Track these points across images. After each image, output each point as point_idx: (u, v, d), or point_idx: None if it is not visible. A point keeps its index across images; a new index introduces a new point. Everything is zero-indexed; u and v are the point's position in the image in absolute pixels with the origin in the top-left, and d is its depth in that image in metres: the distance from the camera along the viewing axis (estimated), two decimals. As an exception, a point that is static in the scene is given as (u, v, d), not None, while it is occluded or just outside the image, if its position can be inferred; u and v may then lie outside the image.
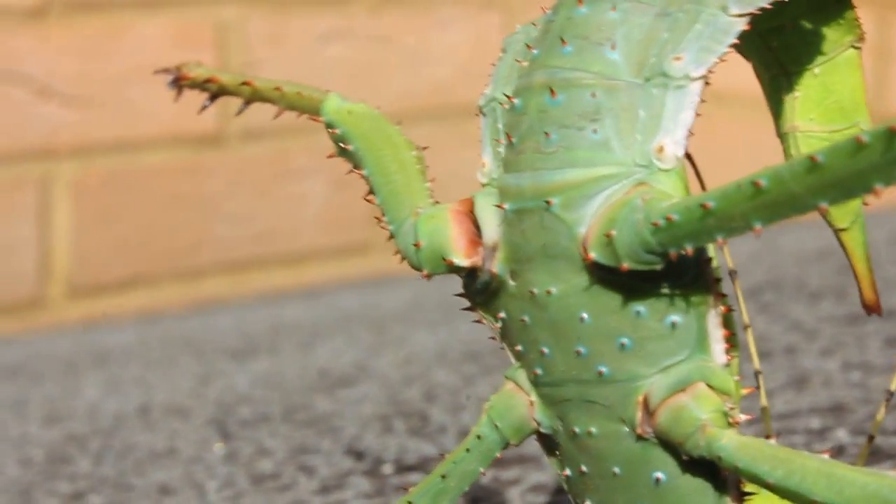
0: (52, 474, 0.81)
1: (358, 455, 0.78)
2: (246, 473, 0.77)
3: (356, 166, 0.46)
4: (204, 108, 0.53)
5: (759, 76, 0.47)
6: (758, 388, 0.49)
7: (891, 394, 0.48)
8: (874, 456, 0.67)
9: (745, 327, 0.49)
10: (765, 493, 0.47)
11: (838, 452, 0.69)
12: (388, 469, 0.75)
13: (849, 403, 0.76)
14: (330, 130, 0.47)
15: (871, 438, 0.48)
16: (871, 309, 0.46)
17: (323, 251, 1.47)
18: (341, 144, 0.47)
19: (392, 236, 0.44)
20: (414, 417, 0.85)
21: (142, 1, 1.38)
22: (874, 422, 0.48)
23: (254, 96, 0.52)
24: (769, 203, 0.36)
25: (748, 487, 0.45)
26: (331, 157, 0.48)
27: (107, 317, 1.34)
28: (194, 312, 1.35)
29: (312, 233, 1.47)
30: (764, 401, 0.49)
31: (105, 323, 1.32)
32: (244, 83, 0.51)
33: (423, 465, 0.75)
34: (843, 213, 0.45)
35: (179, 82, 0.53)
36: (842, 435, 0.71)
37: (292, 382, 0.99)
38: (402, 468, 0.75)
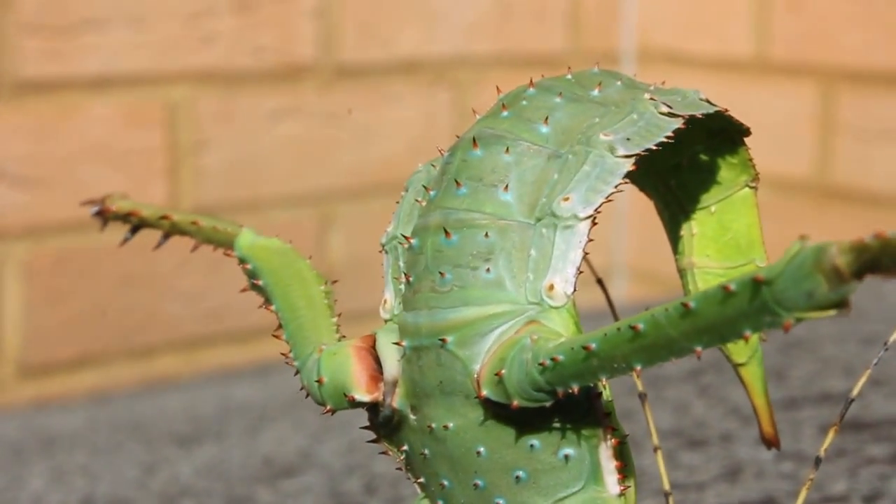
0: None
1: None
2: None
3: (267, 301, 0.47)
4: (125, 240, 0.54)
5: (659, 212, 0.49)
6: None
7: (819, 459, 0.49)
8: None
9: (655, 449, 0.50)
10: None
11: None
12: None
13: (778, 497, 0.77)
14: (242, 266, 0.48)
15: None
16: (771, 443, 0.47)
17: (273, 328, 1.48)
18: (252, 280, 0.48)
19: (297, 372, 0.45)
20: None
21: (92, 81, 1.39)
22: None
23: (172, 230, 0.53)
24: (647, 346, 0.38)
25: None
26: (244, 290, 0.49)
27: (57, 397, 1.35)
28: (144, 392, 1.36)
29: (262, 310, 1.47)
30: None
31: (54, 405, 1.32)
32: (163, 217, 0.53)
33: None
34: (741, 349, 0.46)
35: (104, 214, 0.55)
36: (767, 530, 0.72)
37: (236, 472, 1.00)
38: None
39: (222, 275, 1.45)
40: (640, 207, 1.61)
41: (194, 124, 1.45)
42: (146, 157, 1.41)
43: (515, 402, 0.41)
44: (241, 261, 0.48)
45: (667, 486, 0.50)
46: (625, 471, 0.44)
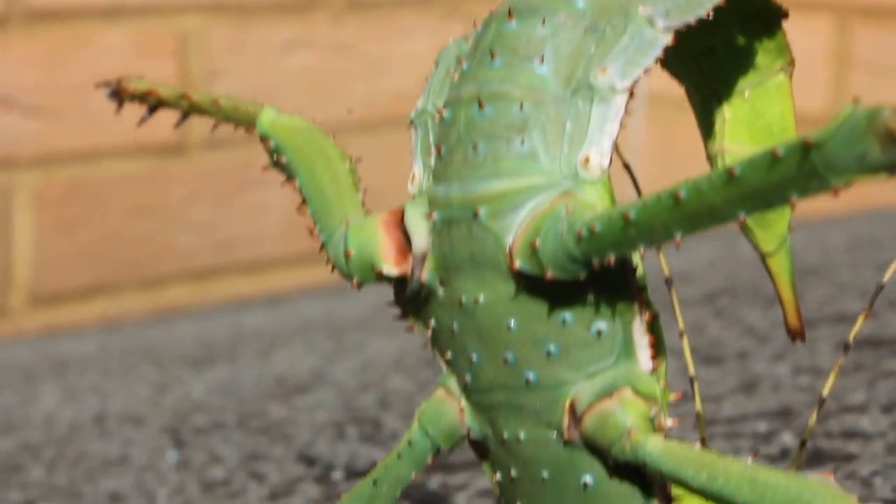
0: (3, 483, 0.82)
1: (309, 461, 0.79)
2: (197, 480, 0.78)
3: (289, 178, 0.47)
4: (143, 120, 0.53)
5: (690, 98, 0.48)
6: (693, 393, 0.49)
7: (823, 400, 0.48)
8: (817, 459, 0.68)
9: (681, 334, 0.50)
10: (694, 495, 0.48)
11: (783, 455, 0.69)
12: (338, 475, 0.75)
13: (796, 407, 0.77)
14: (264, 142, 0.48)
15: (803, 443, 0.49)
16: (796, 334, 0.46)
17: (285, 259, 1.48)
18: (275, 156, 0.47)
19: (323, 246, 0.45)
20: (367, 424, 0.86)
21: (103, 10, 1.38)
22: (807, 427, 0.49)
23: (191, 109, 0.52)
24: (688, 214, 0.37)
25: (675, 489, 0.46)
26: (265, 168, 0.48)
27: (68, 326, 1.34)
28: (155, 321, 1.36)
29: (275, 241, 1.47)
30: (698, 406, 0.49)
31: (65, 332, 1.32)
32: (182, 96, 0.52)
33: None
34: (769, 238, 0.46)
35: (119, 95, 0.54)
36: (787, 439, 0.72)
37: (248, 390, 1.00)
38: (353, 474, 0.75)
39: (234, 205, 1.44)
40: (651, 142, 1.61)
41: (206, 55, 1.44)
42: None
43: (549, 274, 0.40)
44: (263, 138, 0.48)
45: (692, 371, 0.50)
46: (657, 347, 0.43)
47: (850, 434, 0.71)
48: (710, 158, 0.49)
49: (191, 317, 1.36)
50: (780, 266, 0.45)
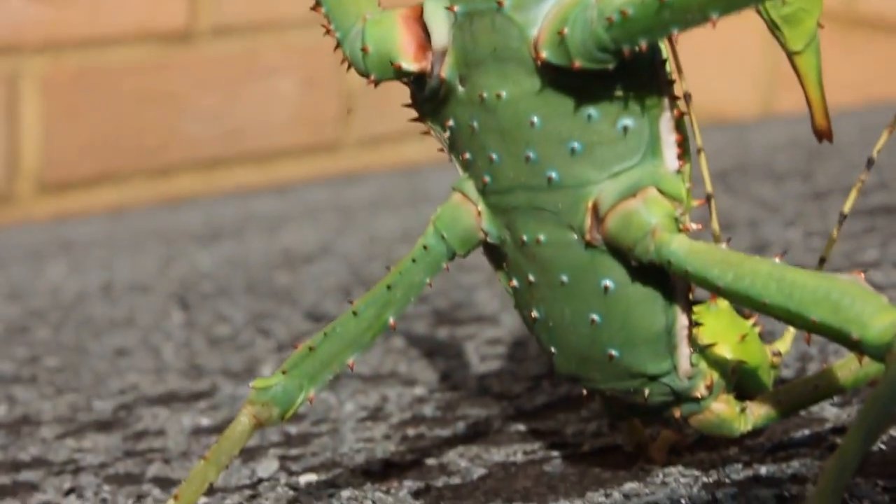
0: (10, 342, 0.81)
1: (316, 319, 0.78)
2: (204, 337, 0.77)
3: None
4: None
5: None
6: (709, 208, 0.48)
7: (844, 216, 0.48)
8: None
9: (699, 151, 0.49)
10: (714, 308, 0.47)
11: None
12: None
13: (808, 265, 0.76)
14: None
15: (822, 261, 0.48)
16: (822, 134, 0.45)
17: (293, 149, 1.47)
18: None
19: (339, 44, 0.43)
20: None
21: None
22: (829, 242, 0.48)
23: None
24: None
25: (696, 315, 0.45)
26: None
27: (76, 214, 1.34)
28: (163, 208, 1.35)
29: (282, 131, 1.46)
30: (715, 224, 0.48)
31: (73, 218, 1.31)
32: None
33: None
34: (797, 36, 0.44)
35: None
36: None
37: (255, 261, 0.99)
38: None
39: (242, 95, 1.43)
40: None
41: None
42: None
43: (577, 64, 0.39)
44: None
45: (709, 188, 0.49)
46: (683, 145, 0.42)
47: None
48: None
49: (198, 204, 1.35)
50: (808, 65, 0.44)
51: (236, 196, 1.38)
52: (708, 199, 0.49)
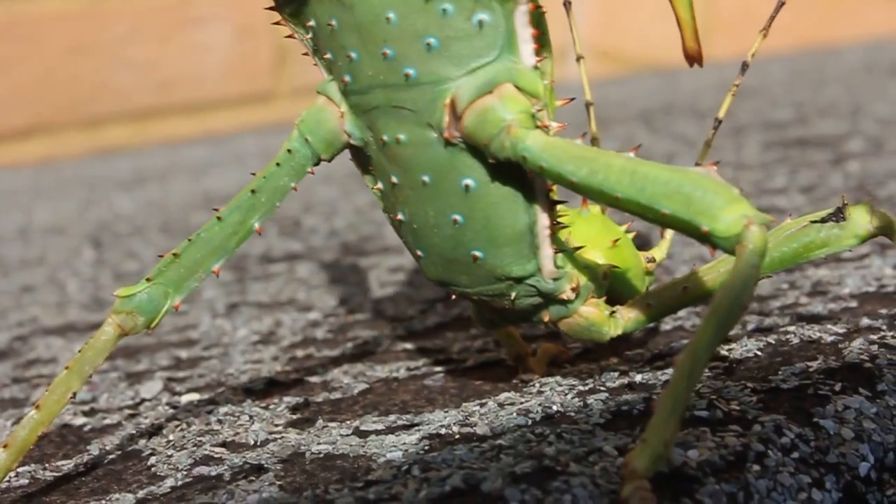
0: (-82, 282, 0.80)
1: (224, 254, 0.78)
2: (111, 273, 0.77)
3: None
4: None
5: None
6: (588, 118, 0.48)
7: (719, 121, 0.47)
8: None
9: (578, 59, 0.48)
10: (586, 213, 0.47)
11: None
12: (252, 262, 0.74)
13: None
14: None
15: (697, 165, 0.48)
16: (693, 58, 0.45)
17: (226, 100, 1.46)
18: None
19: None
20: (287, 224, 0.85)
21: None
22: (703, 147, 0.47)
23: None
24: None
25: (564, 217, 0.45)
26: None
27: (5, 165, 1.33)
28: (93, 159, 1.34)
29: (216, 81, 1.45)
30: (594, 129, 0.48)
31: (3, 169, 1.30)
32: None
33: (288, 259, 0.74)
34: None
35: None
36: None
37: (175, 204, 0.99)
38: (267, 261, 0.74)
39: (174, 45, 1.42)
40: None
41: None
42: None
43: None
44: None
45: (588, 96, 0.49)
46: (541, 40, 0.42)
47: (768, 211, 0.70)
48: None
49: (128, 155, 1.34)
50: None
51: (167, 146, 1.37)
52: (587, 106, 0.49)
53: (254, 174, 0.44)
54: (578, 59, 0.49)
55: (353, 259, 0.71)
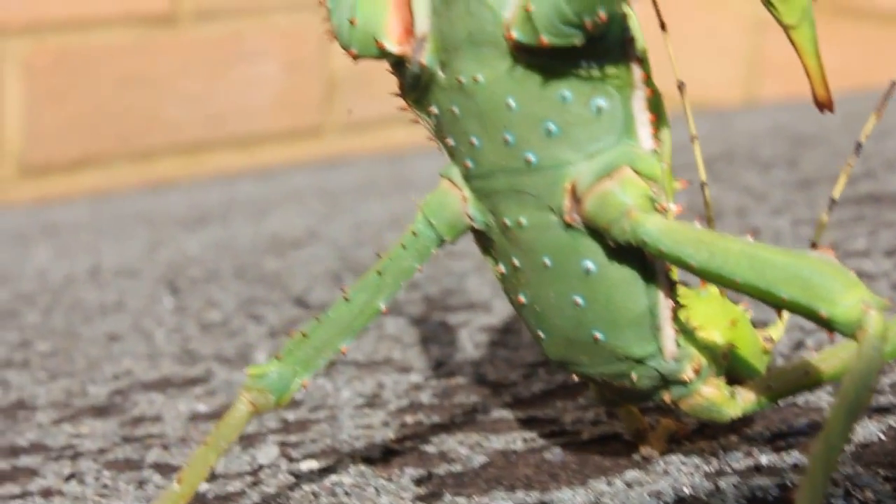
0: (0, 327, 0.81)
1: (307, 305, 0.78)
2: (195, 322, 0.77)
3: None
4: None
5: None
6: (703, 196, 0.49)
7: (834, 201, 0.48)
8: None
9: (692, 139, 0.49)
10: (705, 293, 0.48)
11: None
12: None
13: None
14: None
15: (813, 247, 0.48)
16: (824, 104, 0.45)
17: (276, 133, 1.47)
18: None
19: (329, 14, 0.44)
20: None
21: None
22: (818, 227, 0.48)
23: None
24: None
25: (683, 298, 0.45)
26: None
27: (58, 197, 1.33)
28: (147, 191, 1.35)
29: (265, 115, 1.46)
30: (710, 212, 0.48)
31: (57, 201, 1.31)
32: None
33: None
34: (791, 10, 0.45)
35: None
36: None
37: (243, 246, 0.99)
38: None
39: (225, 79, 1.43)
40: None
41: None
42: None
43: (544, 39, 0.40)
44: None
45: (703, 176, 0.49)
46: (658, 124, 0.43)
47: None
48: None
49: (182, 188, 1.35)
50: (804, 37, 0.44)
51: (220, 180, 1.37)
52: (702, 186, 0.49)
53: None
54: (680, 86, 0.49)
55: (441, 315, 0.72)
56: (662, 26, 0.47)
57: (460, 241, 0.45)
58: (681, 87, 0.48)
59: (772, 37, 1.68)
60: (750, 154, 1.13)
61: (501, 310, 0.71)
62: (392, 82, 0.44)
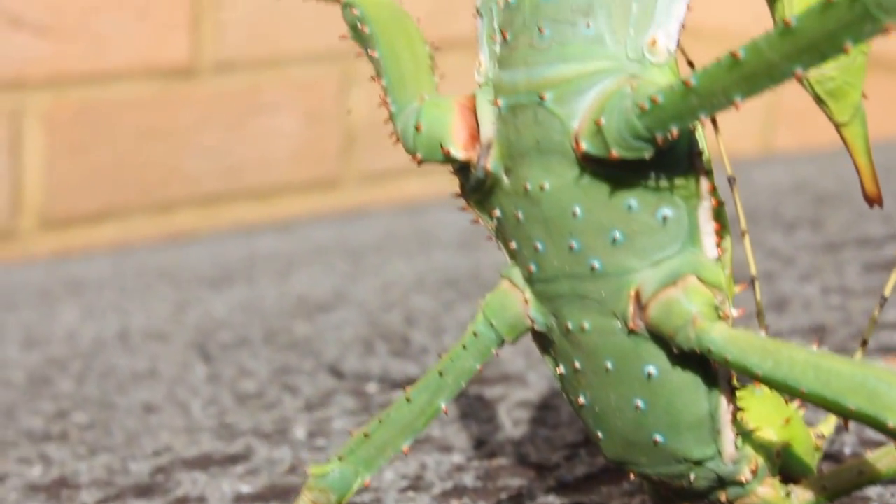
0: (35, 395, 0.82)
1: (341, 375, 0.79)
2: (230, 393, 0.78)
3: (367, 49, 0.46)
4: None
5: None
6: (753, 289, 0.49)
7: (885, 299, 0.48)
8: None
9: (743, 233, 0.49)
10: (759, 392, 0.48)
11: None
12: (372, 388, 0.75)
13: (831, 325, 0.77)
14: (349, 10, 0.46)
15: (864, 343, 0.49)
16: (874, 200, 0.46)
17: (295, 185, 1.47)
18: (358, 24, 0.46)
19: (392, 117, 0.44)
20: (396, 340, 0.85)
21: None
22: (869, 323, 0.48)
23: None
24: (748, 74, 0.37)
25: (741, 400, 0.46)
26: (343, 38, 0.47)
27: (79, 249, 1.34)
28: (167, 245, 1.35)
29: (284, 166, 1.46)
30: (759, 303, 0.49)
31: (77, 255, 1.32)
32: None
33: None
34: (843, 108, 0.45)
35: None
36: (823, 353, 0.72)
37: (271, 308, 1.00)
38: (387, 387, 0.75)
39: (243, 130, 1.43)
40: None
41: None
42: (168, 9, 1.39)
43: (614, 153, 0.40)
44: (348, 5, 0.47)
45: (753, 271, 0.50)
46: (722, 233, 0.43)
47: (892, 350, 0.71)
48: (770, 1, 0.48)
49: (202, 241, 1.36)
50: (855, 134, 0.45)
51: (240, 234, 1.38)
52: (752, 282, 0.50)
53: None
54: (743, 234, 0.50)
55: (477, 388, 0.72)
56: (690, 64, 0.47)
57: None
58: (731, 181, 0.49)
59: (787, 86, 1.68)
60: (773, 213, 1.13)
61: (537, 384, 0.71)
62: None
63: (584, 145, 0.41)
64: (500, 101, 0.42)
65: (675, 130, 0.39)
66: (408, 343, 0.85)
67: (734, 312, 0.43)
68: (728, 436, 0.44)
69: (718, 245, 0.43)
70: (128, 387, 0.81)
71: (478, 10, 0.45)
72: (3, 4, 1.32)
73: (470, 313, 0.90)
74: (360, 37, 0.47)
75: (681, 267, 0.42)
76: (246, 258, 1.24)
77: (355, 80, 1.48)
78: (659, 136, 0.39)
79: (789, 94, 1.60)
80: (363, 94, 1.48)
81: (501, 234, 0.44)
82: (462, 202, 0.45)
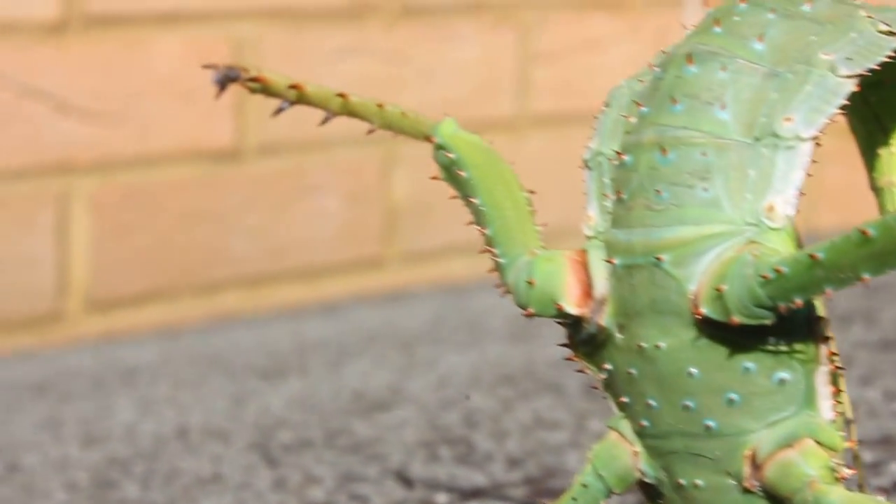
0: (101, 499, 0.82)
1: (408, 483, 0.79)
2: (298, 501, 0.78)
3: (465, 195, 0.46)
4: (280, 110, 0.54)
5: (854, 130, 0.48)
6: (849, 437, 0.49)
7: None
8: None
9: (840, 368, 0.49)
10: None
11: (895, 487, 0.69)
12: (442, 499, 0.75)
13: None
14: (442, 153, 0.47)
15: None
16: None
17: (339, 265, 1.48)
18: (455, 169, 0.47)
19: (499, 269, 0.45)
20: (459, 445, 0.86)
21: (159, 16, 1.38)
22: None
23: (302, 100, 0.52)
24: (877, 252, 0.37)
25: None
26: (434, 178, 0.48)
27: (125, 331, 1.34)
28: (214, 327, 1.36)
29: (328, 247, 1.47)
30: (856, 449, 0.49)
31: (124, 338, 1.32)
32: (338, 95, 0.52)
33: (477, 496, 0.75)
34: None
35: (226, 80, 0.54)
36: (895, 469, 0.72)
37: (327, 405, 1.00)
38: (457, 497, 0.75)
39: (288, 211, 1.44)
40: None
41: (259, 61, 1.43)
42: (212, 93, 1.40)
43: (735, 319, 0.41)
44: (441, 148, 0.47)
45: (849, 413, 0.50)
46: (838, 397, 0.43)
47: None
48: (876, 191, 0.49)
49: (248, 323, 1.36)
50: None
51: (287, 316, 1.38)
52: (848, 423, 0.50)
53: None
54: (849, 422, 0.50)
55: (546, 498, 0.72)
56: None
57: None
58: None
59: (829, 166, 1.69)
60: (826, 305, 1.13)
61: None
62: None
63: (705, 310, 0.41)
64: (615, 260, 0.43)
65: (798, 301, 0.39)
66: (471, 448, 0.85)
67: (847, 472, 0.43)
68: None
69: (833, 408, 0.43)
70: (194, 492, 0.82)
71: (586, 163, 0.45)
72: (51, 90, 1.33)
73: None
74: (454, 180, 0.47)
75: (797, 429, 0.42)
76: (296, 345, 1.24)
77: (398, 160, 1.49)
78: (781, 306, 0.40)
79: (831, 172, 1.60)
80: (405, 176, 1.49)
81: (611, 387, 0.45)
82: (569, 352, 0.46)
